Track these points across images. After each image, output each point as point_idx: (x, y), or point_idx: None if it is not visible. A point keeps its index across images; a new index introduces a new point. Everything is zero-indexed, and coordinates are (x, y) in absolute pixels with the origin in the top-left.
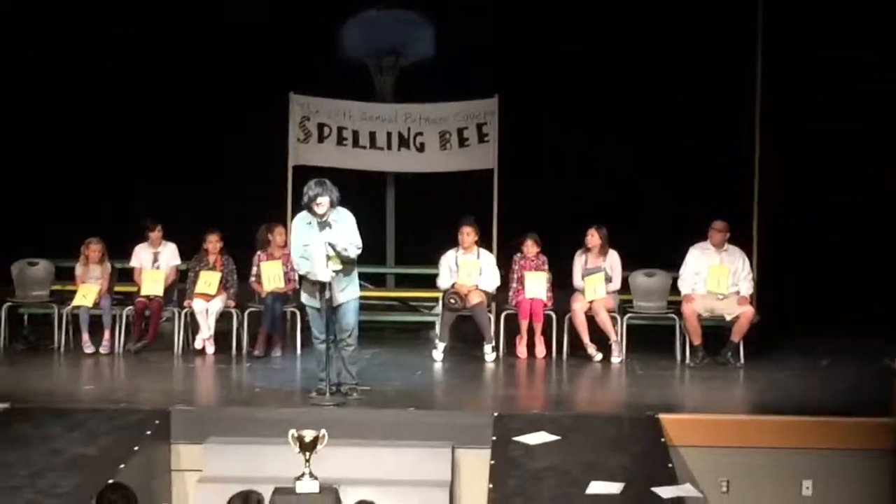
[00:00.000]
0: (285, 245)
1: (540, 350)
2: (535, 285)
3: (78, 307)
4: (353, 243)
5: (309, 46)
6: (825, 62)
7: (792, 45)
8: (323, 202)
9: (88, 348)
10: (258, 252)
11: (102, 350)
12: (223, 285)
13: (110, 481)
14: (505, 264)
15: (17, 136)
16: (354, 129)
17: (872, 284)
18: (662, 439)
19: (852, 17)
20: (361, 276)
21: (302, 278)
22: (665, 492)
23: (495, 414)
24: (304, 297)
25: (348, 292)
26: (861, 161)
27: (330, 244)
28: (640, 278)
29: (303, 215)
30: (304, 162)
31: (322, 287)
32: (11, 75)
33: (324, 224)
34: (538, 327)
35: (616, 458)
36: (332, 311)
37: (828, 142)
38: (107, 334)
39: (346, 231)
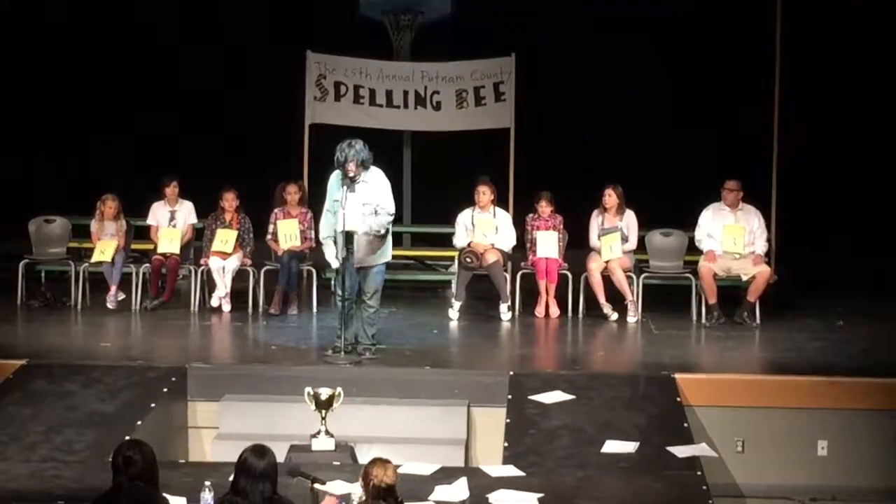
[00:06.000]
0: (300, 203)
1: (553, 310)
2: (547, 245)
3: (98, 263)
4: (384, 209)
5: (326, 4)
6: (847, 18)
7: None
8: (350, 167)
9: (112, 303)
10: (275, 210)
11: (109, 305)
12: (239, 243)
13: (127, 438)
14: (521, 223)
15: (34, 94)
16: (371, 87)
17: (890, 245)
18: (678, 399)
19: None
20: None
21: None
22: (680, 451)
23: (511, 373)
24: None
25: (380, 256)
26: (882, 119)
27: (367, 231)
28: (656, 238)
29: (338, 172)
30: (321, 120)
31: (349, 242)
32: (29, 32)
33: (352, 185)
34: (552, 288)
35: (631, 418)
36: (358, 270)
37: (847, 100)
38: (113, 289)
39: (375, 193)
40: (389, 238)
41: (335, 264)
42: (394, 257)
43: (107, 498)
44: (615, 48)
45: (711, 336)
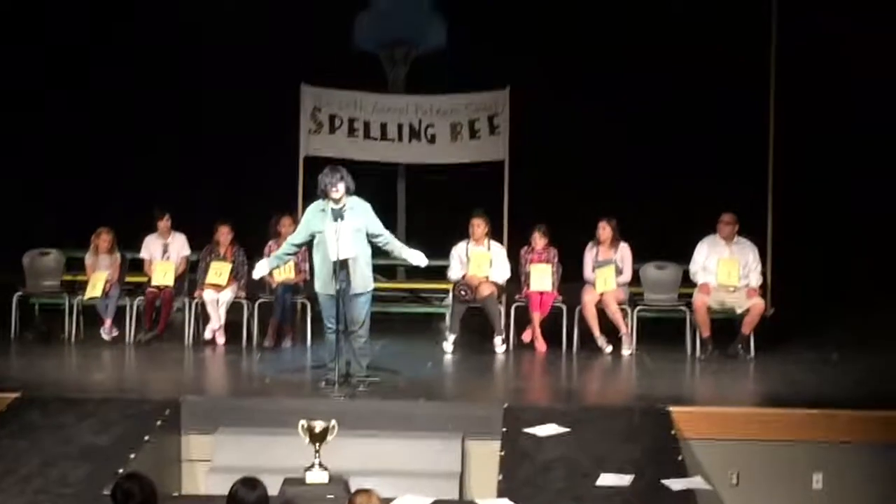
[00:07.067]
0: None
1: (540, 345)
2: (541, 278)
3: (92, 299)
4: (387, 238)
5: (321, 37)
6: (840, 41)
7: (807, 25)
8: (340, 188)
9: (107, 335)
10: (269, 243)
11: (105, 336)
12: (234, 276)
13: (122, 471)
14: (515, 256)
15: (30, 127)
16: (366, 120)
17: (884, 277)
18: (672, 432)
19: None
20: (379, 269)
21: (312, 267)
22: (675, 484)
23: (505, 405)
24: (317, 285)
25: (362, 283)
26: (878, 150)
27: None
28: (650, 271)
29: (317, 203)
30: (316, 153)
31: (335, 272)
32: (29, 64)
33: (338, 213)
34: (537, 317)
35: (626, 451)
36: (339, 299)
37: (843, 131)
38: (107, 323)
39: (363, 222)
40: (370, 265)
41: (262, 272)
42: (388, 289)
43: None
44: (610, 81)
45: (706, 369)
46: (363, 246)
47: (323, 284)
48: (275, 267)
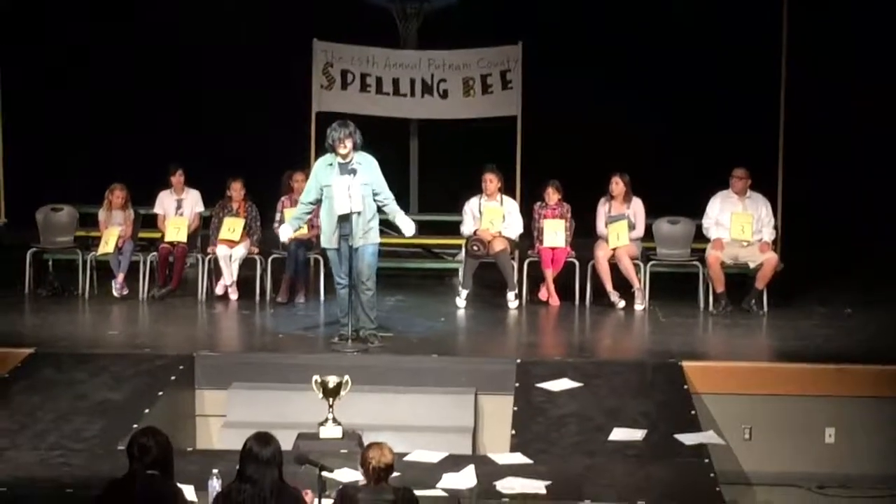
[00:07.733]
0: None
1: (553, 300)
2: (554, 233)
3: (105, 255)
4: (388, 197)
5: None
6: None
7: None
8: (347, 143)
9: (118, 292)
10: (282, 198)
11: (116, 293)
12: (247, 232)
13: (137, 426)
14: (528, 212)
15: (41, 83)
16: (378, 75)
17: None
18: (685, 386)
19: None
20: (385, 223)
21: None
22: (688, 438)
23: (518, 360)
24: (323, 241)
25: (367, 237)
26: (890, 106)
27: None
28: (663, 226)
29: (325, 157)
30: (328, 108)
31: (341, 224)
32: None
33: (346, 168)
34: (550, 273)
35: (639, 405)
36: (351, 253)
37: (855, 86)
38: (120, 277)
39: (370, 178)
40: (376, 219)
41: (288, 235)
42: (400, 245)
43: (120, 484)
44: (621, 35)
45: (718, 323)
46: (369, 200)
47: (328, 239)
48: (297, 228)
